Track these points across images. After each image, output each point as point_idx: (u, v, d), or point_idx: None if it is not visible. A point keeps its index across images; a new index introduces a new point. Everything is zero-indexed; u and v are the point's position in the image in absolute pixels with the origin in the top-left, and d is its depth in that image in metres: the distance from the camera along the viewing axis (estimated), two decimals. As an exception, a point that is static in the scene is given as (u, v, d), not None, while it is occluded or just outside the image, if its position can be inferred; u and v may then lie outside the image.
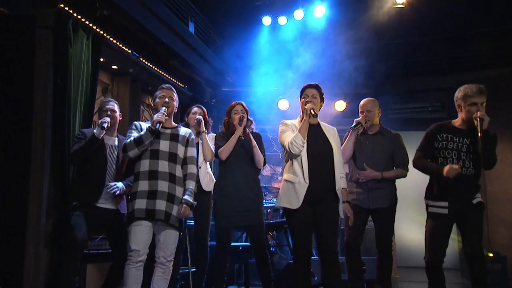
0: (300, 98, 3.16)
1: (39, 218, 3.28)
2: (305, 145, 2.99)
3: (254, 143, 3.39)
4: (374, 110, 3.52)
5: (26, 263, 3.21)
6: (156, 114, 2.93)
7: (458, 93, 3.12)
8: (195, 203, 2.99)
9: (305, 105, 3.03)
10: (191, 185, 2.99)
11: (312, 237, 3.14)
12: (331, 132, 3.18)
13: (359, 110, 3.59)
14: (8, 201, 3.31)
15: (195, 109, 3.88)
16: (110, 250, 3.36)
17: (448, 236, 3.10)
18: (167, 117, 2.97)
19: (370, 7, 6.53)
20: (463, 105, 3.08)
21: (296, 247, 3.06)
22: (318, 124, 3.19)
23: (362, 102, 3.60)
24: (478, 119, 2.91)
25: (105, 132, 3.23)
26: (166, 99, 3.02)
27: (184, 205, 2.89)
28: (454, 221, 3.10)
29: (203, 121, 3.70)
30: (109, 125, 3.25)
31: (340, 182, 3.07)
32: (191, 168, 3.03)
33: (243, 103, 3.55)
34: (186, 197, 2.94)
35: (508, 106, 6.18)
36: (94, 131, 3.18)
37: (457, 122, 3.17)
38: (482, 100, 3.02)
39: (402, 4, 6.50)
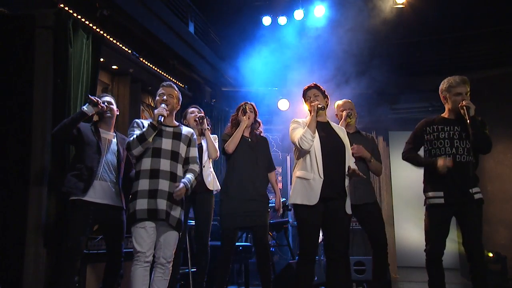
0: (305, 101, 3.22)
1: (39, 218, 3.28)
2: (318, 141, 3.00)
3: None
4: (354, 110, 3.65)
5: (26, 263, 3.21)
6: (157, 109, 2.92)
7: (442, 86, 3.21)
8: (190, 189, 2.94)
9: (312, 103, 3.07)
10: (191, 175, 2.97)
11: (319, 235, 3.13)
12: (341, 131, 3.22)
13: (339, 109, 3.67)
14: (8, 201, 3.31)
15: (191, 109, 3.85)
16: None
17: (447, 227, 3.09)
18: (168, 112, 2.95)
19: (370, 7, 6.53)
20: (448, 96, 3.16)
21: (305, 245, 2.96)
22: (328, 122, 3.23)
23: (341, 102, 3.70)
24: (465, 108, 2.99)
25: (94, 111, 3.07)
26: (165, 97, 3.00)
27: (182, 184, 2.85)
28: (452, 213, 3.08)
29: (205, 118, 3.67)
30: (100, 106, 3.09)
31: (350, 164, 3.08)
32: (193, 166, 3.03)
33: (253, 103, 3.63)
34: (185, 179, 2.91)
35: (508, 106, 6.18)
36: (84, 107, 3.05)
37: (444, 114, 3.26)
38: (466, 90, 3.11)
39: (402, 4, 6.50)
